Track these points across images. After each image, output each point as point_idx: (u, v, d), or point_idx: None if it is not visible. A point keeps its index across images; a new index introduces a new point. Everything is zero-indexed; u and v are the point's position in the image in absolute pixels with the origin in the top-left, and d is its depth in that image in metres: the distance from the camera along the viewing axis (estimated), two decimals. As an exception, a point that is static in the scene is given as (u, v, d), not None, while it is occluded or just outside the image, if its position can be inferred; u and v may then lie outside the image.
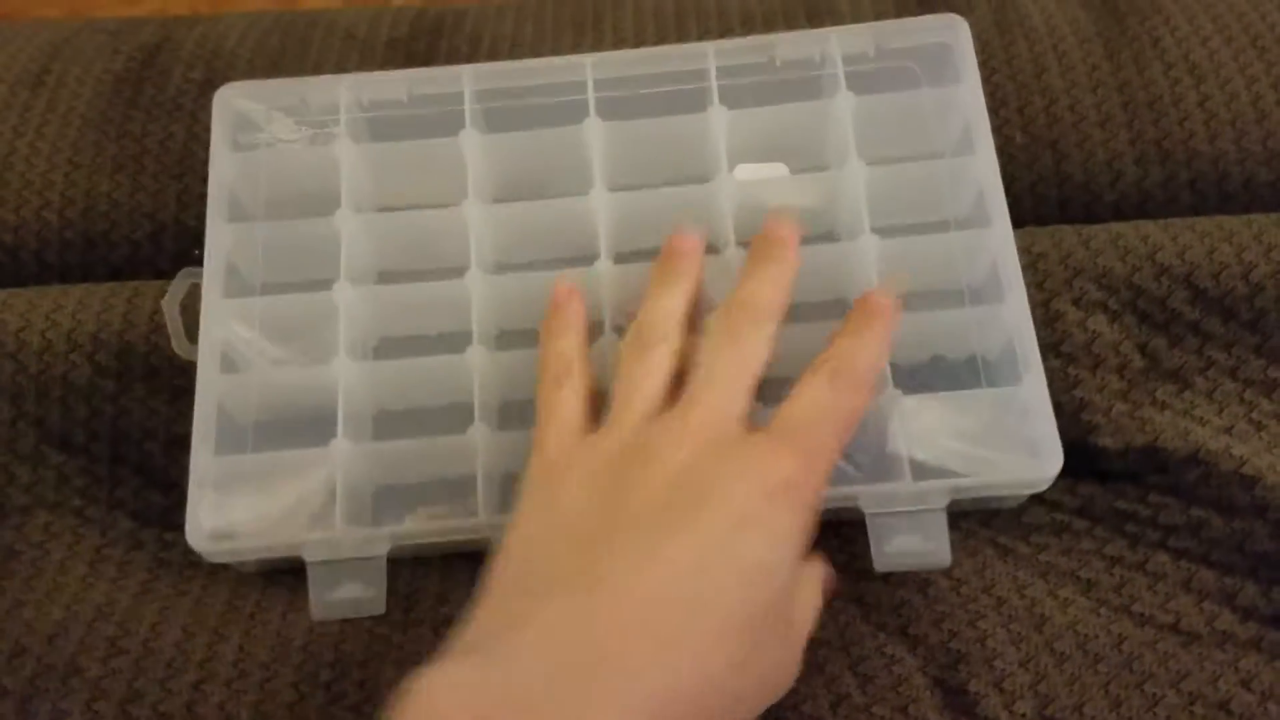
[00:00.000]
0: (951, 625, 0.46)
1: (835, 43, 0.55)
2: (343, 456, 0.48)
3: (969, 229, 0.52)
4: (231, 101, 0.55)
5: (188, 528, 0.47)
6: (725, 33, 0.64)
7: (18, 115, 0.63)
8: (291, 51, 0.64)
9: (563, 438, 0.43)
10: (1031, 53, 0.60)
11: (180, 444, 0.52)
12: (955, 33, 0.54)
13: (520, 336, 0.53)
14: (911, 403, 0.47)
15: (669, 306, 0.45)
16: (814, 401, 0.41)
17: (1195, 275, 0.51)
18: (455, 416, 0.49)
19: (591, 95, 0.54)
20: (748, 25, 0.64)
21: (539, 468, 0.42)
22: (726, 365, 0.42)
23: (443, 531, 0.48)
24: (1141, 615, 0.46)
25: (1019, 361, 0.48)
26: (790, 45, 0.55)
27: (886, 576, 0.48)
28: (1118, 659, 0.45)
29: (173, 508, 0.52)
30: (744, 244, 0.50)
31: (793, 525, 0.39)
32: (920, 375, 0.50)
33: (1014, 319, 0.49)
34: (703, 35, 0.64)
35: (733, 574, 0.37)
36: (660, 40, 0.64)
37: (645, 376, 0.43)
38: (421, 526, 0.49)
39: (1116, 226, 0.54)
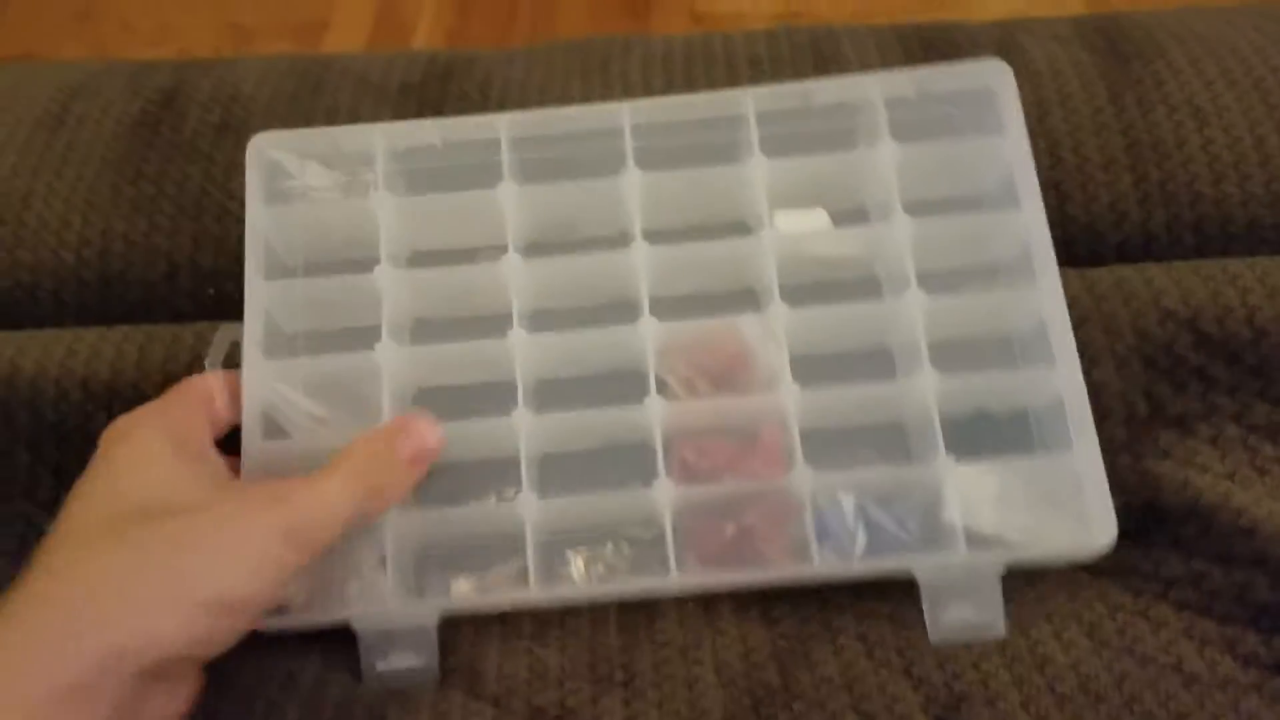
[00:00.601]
0: (955, 666, 0.46)
1: (876, 88, 0.55)
2: (390, 525, 0.49)
3: (1015, 282, 0.53)
4: (265, 150, 0.56)
5: None
6: (734, 80, 0.65)
7: (37, 156, 0.64)
8: (306, 95, 0.65)
9: None
10: (1035, 95, 0.61)
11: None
12: (1000, 78, 0.55)
13: (561, 394, 0.53)
14: (964, 471, 0.48)
15: None
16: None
17: (1199, 320, 0.52)
18: (500, 475, 0.51)
19: (629, 144, 0.55)
20: (755, 69, 0.65)
21: None
22: None
23: (494, 605, 0.50)
24: (1144, 656, 0.46)
25: (1070, 425, 0.49)
26: (829, 91, 0.56)
27: (891, 614, 0.48)
28: (1119, 699, 0.45)
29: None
30: (785, 290, 0.51)
31: None
32: (966, 431, 0.50)
33: (1064, 380, 0.50)
34: (711, 82, 0.65)
35: None
36: (668, 87, 0.65)
37: None
38: (472, 601, 0.50)
39: (1120, 270, 0.55)
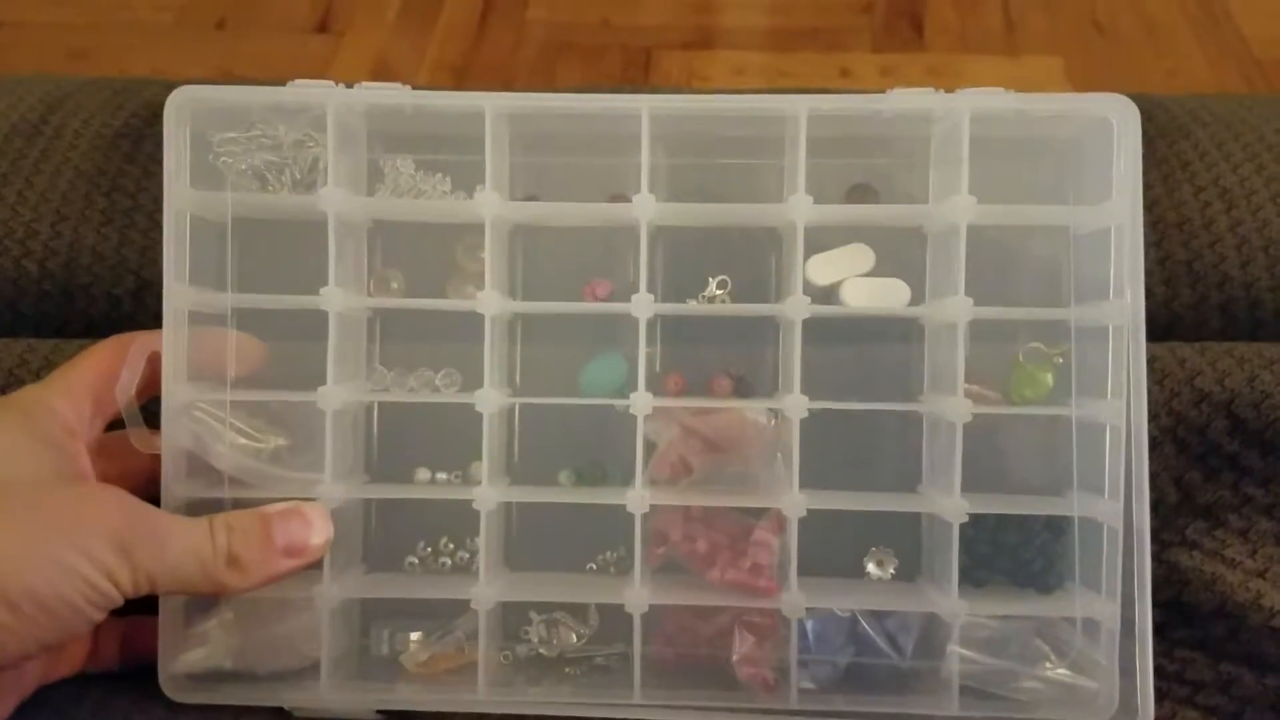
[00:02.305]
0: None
1: (963, 102, 0.46)
2: (327, 601, 0.45)
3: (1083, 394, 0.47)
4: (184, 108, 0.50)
5: (160, 669, 0.44)
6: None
7: (9, 163, 0.60)
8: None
9: None
10: (1058, 168, 0.59)
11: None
12: (1123, 113, 0.47)
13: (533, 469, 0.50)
14: (974, 619, 0.44)
15: None
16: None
17: (1235, 404, 0.49)
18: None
19: (646, 154, 0.47)
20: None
21: None
22: None
23: (437, 705, 0.45)
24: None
25: (1104, 578, 0.44)
26: (904, 99, 0.47)
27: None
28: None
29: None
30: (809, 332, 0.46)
31: None
32: (983, 551, 0.46)
33: (1112, 518, 0.44)
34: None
35: None
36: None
37: None
38: (416, 696, 0.45)
39: (1151, 347, 0.52)
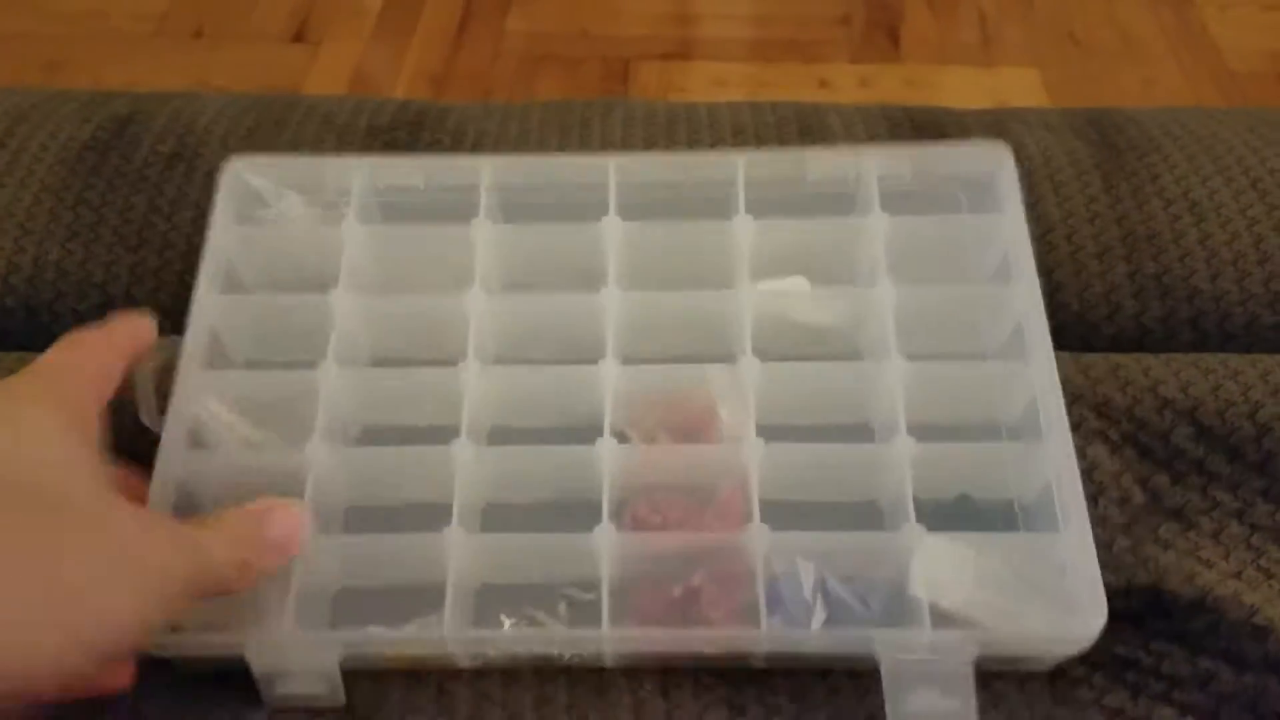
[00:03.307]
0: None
1: (871, 162, 0.53)
2: (304, 548, 0.44)
3: (1006, 361, 0.50)
4: (241, 175, 0.53)
5: None
6: (717, 143, 0.63)
7: (-27, 178, 0.60)
8: (265, 131, 0.62)
9: None
10: (1027, 180, 0.59)
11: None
12: (1000, 162, 0.53)
13: (513, 434, 0.50)
14: (935, 542, 0.44)
15: None
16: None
17: (1199, 411, 0.49)
18: (433, 517, 0.45)
19: (613, 195, 0.52)
20: (739, 136, 0.63)
21: None
22: None
23: (403, 643, 0.44)
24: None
25: (1058, 508, 0.45)
26: (823, 161, 0.54)
27: (871, 716, 0.43)
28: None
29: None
30: (760, 354, 0.48)
31: None
32: (945, 515, 0.47)
33: (1055, 461, 0.46)
34: (693, 145, 0.63)
35: None
36: (649, 147, 0.63)
37: None
38: (378, 633, 0.44)
39: (1116, 357, 0.52)
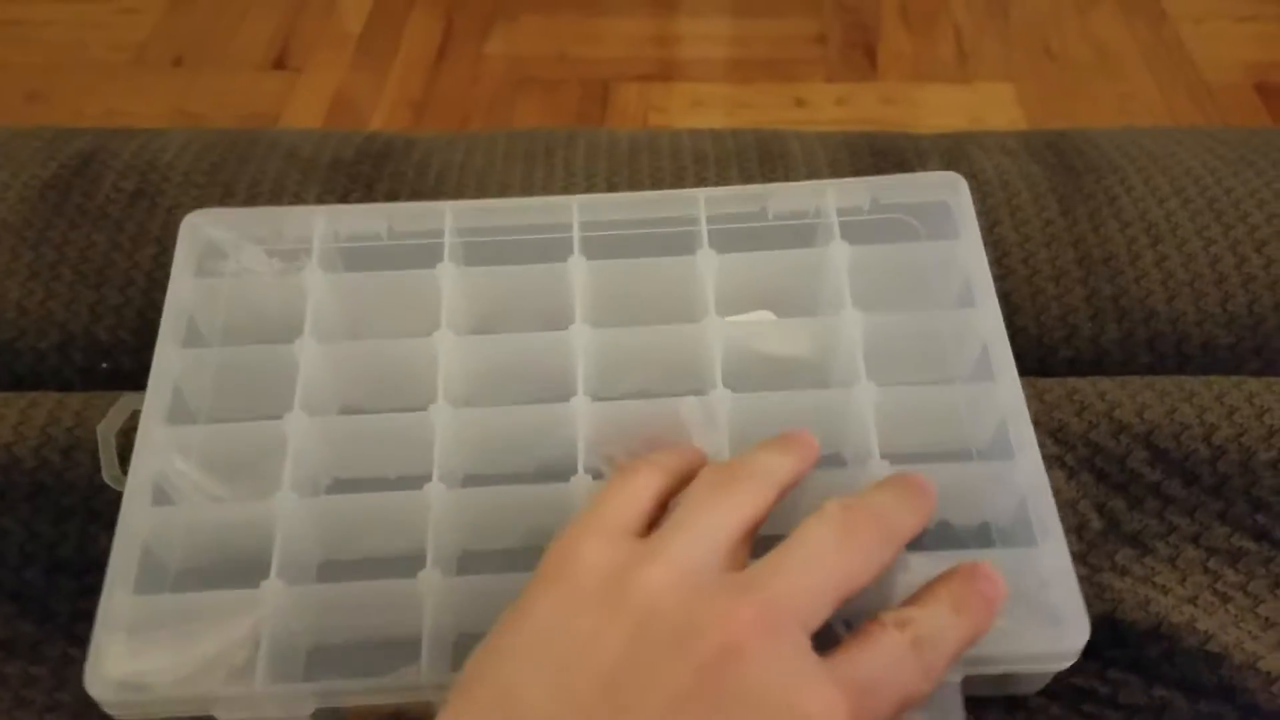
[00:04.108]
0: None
1: (830, 196, 0.53)
2: (273, 601, 0.44)
3: (974, 384, 0.50)
4: (200, 227, 0.53)
5: (88, 674, 0.42)
6: (679, 172, 0.63)
7: (-65, 217, 0.60)
8: (229, 167, 0.62)
9: (610, 528, 0.38)
10: (985, 205, 0.60)
11: (62, 569, 0.49)
12: (955, 191, 0.53)
13: (487, 477, 0.50)
14: (917, 561, 0.43)
15: (773, 463, 0.42)
16: (890, 662, 0.36)
17: (1155, 435, 0.49)
18: (408, 566, 0.45)
19: (577, 234, 0.52)
20: (700, 164, 0.63)
21: (566, 548, 0.38)
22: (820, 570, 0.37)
23: (379, 692, 0.43)
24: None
25: (1034, 526, 0.45)
26: (783, 197, 0.54)
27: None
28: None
29: (43, 641, 0.47)
30: (730, 387, 0.48)
31: None
32: (925, 543, 0.46)
33: (1028, 480, 0.46)
34: (655, 174, 0.63)
35: None
36: (612, 176, 0.63)
37: (723, 510, 0.38)
38: (353, 684, 0.43)
39: (1072, 381, 0.52)
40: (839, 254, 0.51)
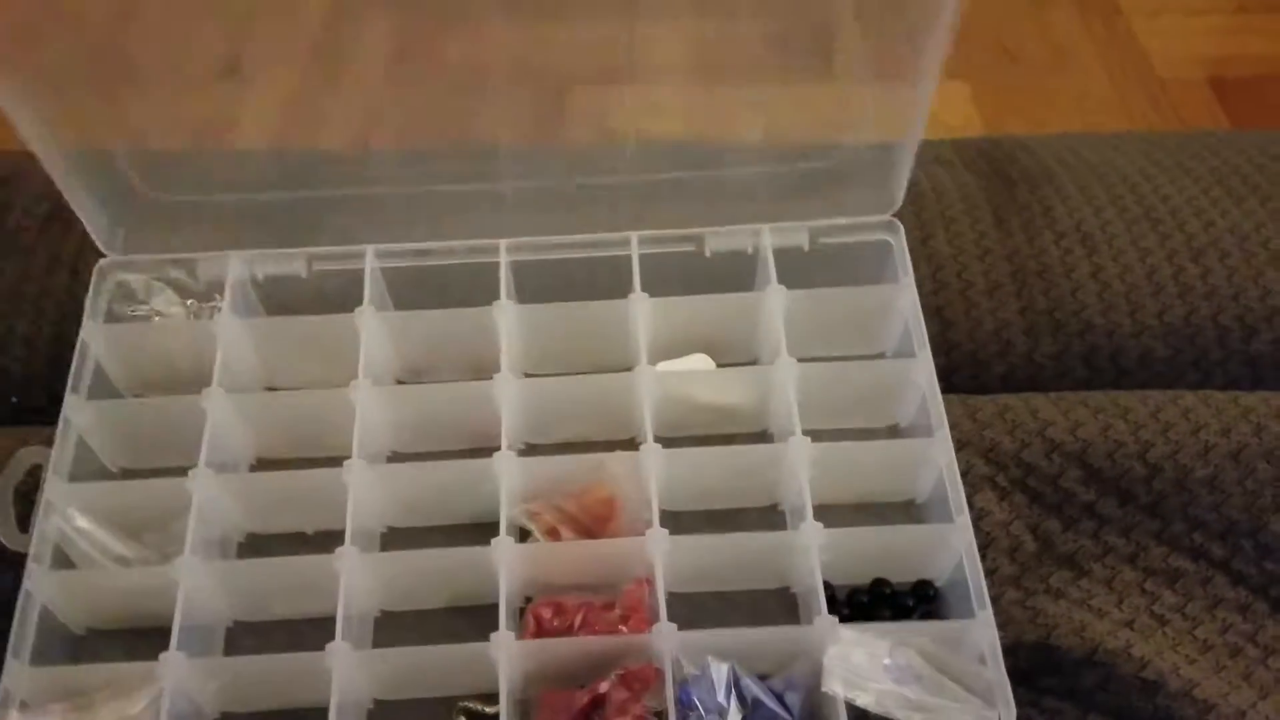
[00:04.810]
0: None
1: (767, 236, 0.52)
2: (173, 674, 0.42)
3: (914, 437, 0.49)
4: (111, 272, 0.51)
5: None
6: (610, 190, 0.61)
7: None
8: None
9: None
10: (918, 219, 0.58)
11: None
12: (894, 233, 0.52)
13: (406, 536, 0.48)
14: (848, 635, 0.42)
15: None
16: None
17: (1089, 453, 0.48)
18: (322, 631, 0.43)
19: (505, 277, 0.51)
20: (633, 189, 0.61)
21: None
22: None
23: None
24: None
25: (973, 594, 0.43)
26: (720, 237, 0.53)
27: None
28: None
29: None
30: (662, 439, 0.46)
31: None
32: (861, 601, 0.46)
33: (964, 543, 0.44)
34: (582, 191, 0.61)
35: None
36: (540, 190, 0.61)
37: None
38: None
39: (1004, 398, 0.51)
40: (776, 298, 0.50)
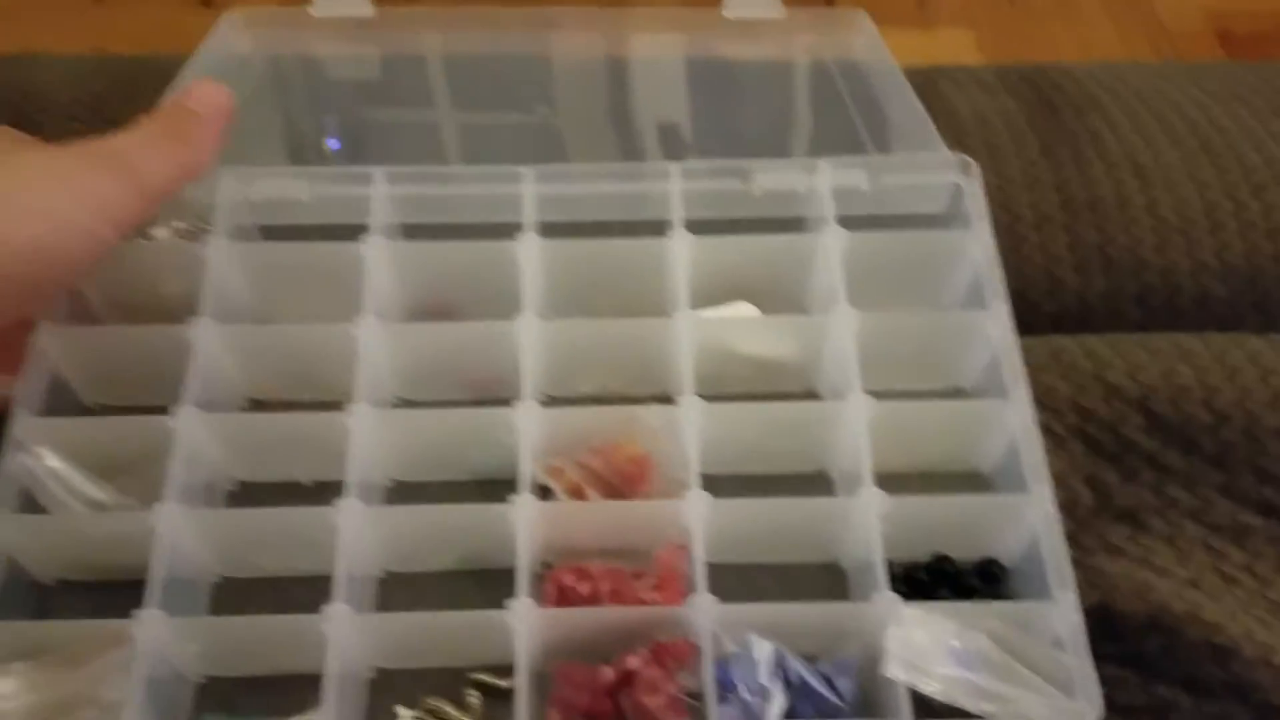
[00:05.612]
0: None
1: (825, 174, 0.46)
2: (151, 633, 0.37)
3: (981, 399, 0.44)
4: None
5: None
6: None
7: None
8: (116, 98, 0.55)
9: None
10: (959, 145, 0.53)
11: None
12: (966, 173, 0.47)
13: (413, 490, 0.43)
14: (912, 614, 0.38)
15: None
16: None
17: (1151, 399, 0.45)
18: (316, 591, 0.38)
19: (530, 208, 0.45)
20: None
21: None
22: None
23: None
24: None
25: (1048, 571, 0.39)
26: (770, 174, 0.47)
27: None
28: None
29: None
30: (703, 395, 0.42)
31: None
32: (920, 579, 0.41)
33: (1040, 518, 0.40)
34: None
35: None
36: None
37: None
38: None
39: (1057, 339, 0.47)
40: (833, 241, 0.44)
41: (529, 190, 0.45)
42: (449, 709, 0.40)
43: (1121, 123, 0.56)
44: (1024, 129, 0.56)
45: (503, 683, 0.39)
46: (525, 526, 0.39)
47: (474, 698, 0.40)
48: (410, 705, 0.40)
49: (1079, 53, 1.53)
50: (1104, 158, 0.54)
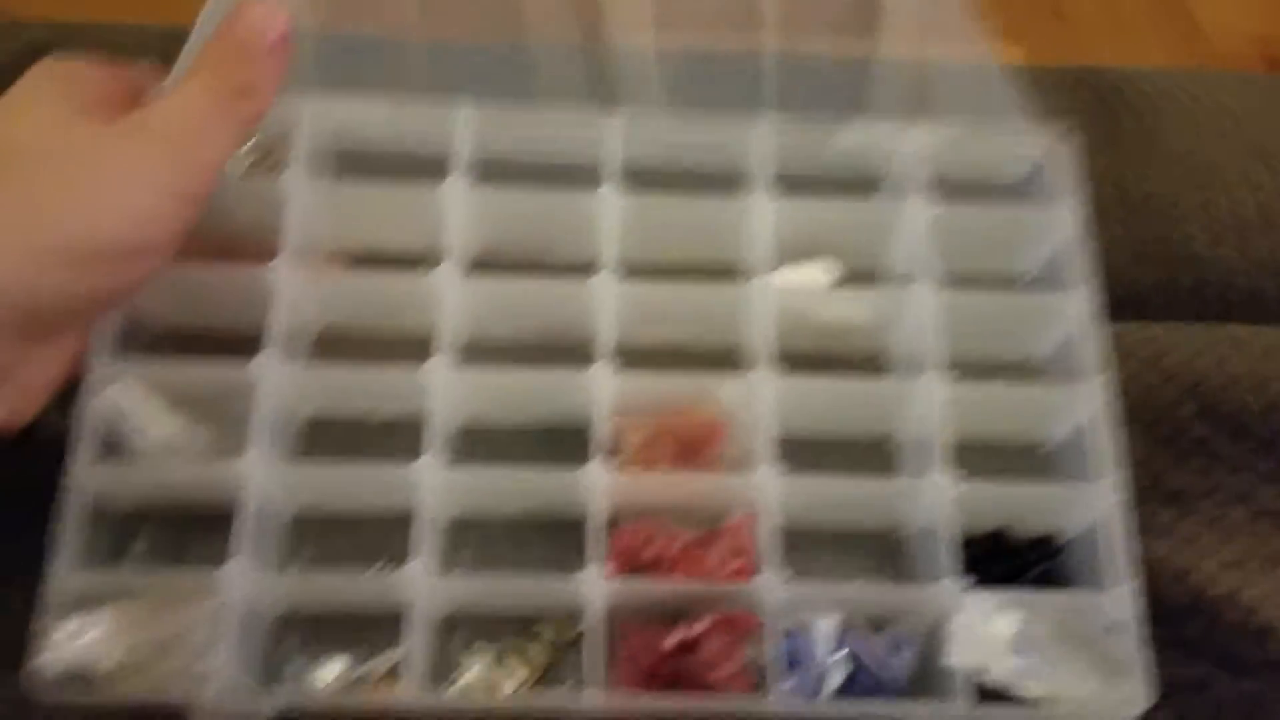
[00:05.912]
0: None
1: (912, 139, 0.47)
2: (241, 586, 0.39)
3: (1055, 379, 0.45)
4: None
5: (28, 664, 0.37)
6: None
7: None
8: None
9: None
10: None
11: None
12: (1058, 146, 0.47)
13: (484, 445, 0.44)
14: (978, 602, 0.39)
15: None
16: None
17: (1203, 386, 0.45)
18: (394, 536, 0.40)
19: (611, 159, 0.45)
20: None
21: None
22: None
23: (355, 709, 0.40)
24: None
25: (1114, 559, 0.40)
26: (856, 134, 0.47)
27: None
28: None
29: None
30: (774, 355, 0.42)
31: None
32: (976, 554, 0.42)
33: (1109, 506, 0.41)
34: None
35: None
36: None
37: None
38: (324, 698, 0.40)
39: (1114, 325, 0.48)
40: (916, 211, 0.45)
41: (613, 135, 0.45)
42: (526, 646, 0.41)
43: (1177, 126, 0.56)
44: (1082, 125, 0.56)
45: (569, 636, 0.41)
46: (598, 493, 0.40)
47: (535, 650, 0.42)
48: (478, 650, 0.42)
49: (1126, 71, 1.54)
50: (1160, 158, 0.55)
